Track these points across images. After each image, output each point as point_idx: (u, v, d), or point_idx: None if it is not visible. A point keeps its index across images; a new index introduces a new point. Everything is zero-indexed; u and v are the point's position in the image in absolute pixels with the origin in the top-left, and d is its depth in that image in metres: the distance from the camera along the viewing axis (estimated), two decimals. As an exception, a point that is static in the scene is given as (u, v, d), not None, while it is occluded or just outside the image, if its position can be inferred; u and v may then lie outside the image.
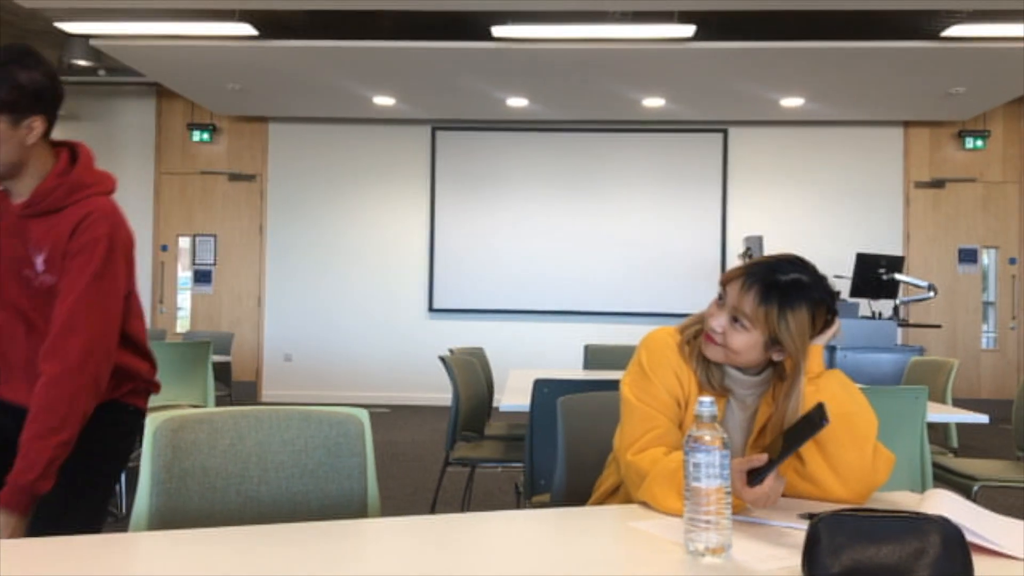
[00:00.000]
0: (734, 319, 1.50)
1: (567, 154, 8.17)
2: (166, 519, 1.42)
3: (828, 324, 1.51)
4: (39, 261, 1.75)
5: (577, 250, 8.15)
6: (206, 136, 8.19)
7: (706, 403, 1.20)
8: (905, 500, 1.53)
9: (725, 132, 8.11)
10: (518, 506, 3.51)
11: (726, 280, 1.54)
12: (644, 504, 1.44)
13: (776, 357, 1.52)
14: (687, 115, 7.83)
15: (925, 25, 5.82)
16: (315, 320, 8.25)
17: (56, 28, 5.92)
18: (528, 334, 8.18)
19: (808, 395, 1.49)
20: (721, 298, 1.54)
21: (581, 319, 8.12)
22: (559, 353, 8.11)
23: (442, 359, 3.60)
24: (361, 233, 8.27)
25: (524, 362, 7.94)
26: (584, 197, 8.16)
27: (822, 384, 1.51)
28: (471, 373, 3.77)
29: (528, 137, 8.18)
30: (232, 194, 8.34)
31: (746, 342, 1.49)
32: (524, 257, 8.16)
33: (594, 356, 4.77)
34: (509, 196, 8.19)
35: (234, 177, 8.30)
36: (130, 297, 1.89)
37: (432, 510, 4.02)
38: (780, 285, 1.47)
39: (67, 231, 1.73)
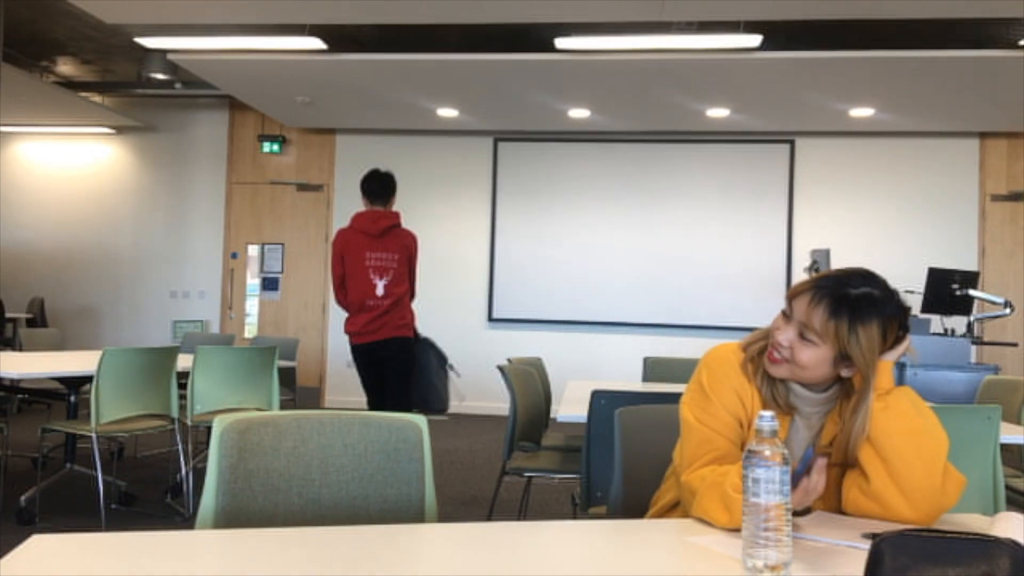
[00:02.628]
0: (801, 334, 1.46)
1: (629, 165, 8.13)
2: (231, 518, 1.46)
3: (899, 340, 1.47)
4: None
5: (638, 261, 8.08)
6: (276, 147, 8.40)
7: (766, 417, 1.18)
8: (975, 522, 1.48)
9: (792, 143, 7.96)
10: (574, 517, 3.49)
11: (793, 294, 1.50)
12: (702, 520, 1.43)
13: (845, 373, 1.48)
14: (752, 125, 7.72)
15: (1002, 34, 5.63)
16: None
17: (136, 43, 6.16)
18: (587, 345, 8.14)
19: (877, 412, 1.46)
20: (787, 312, 1.50)
21: (641, 331, 8.04)
22: (618, 365, 8.06)
23: (500, 368, 3.61)
24: (423, 242, 8.35)
25: (582, 373, 7.89)
26: (646, 208, 8.10)
27: (891, 401, 1.47)
28: (529, 383, 3.77)
29: (590, 148, 8.16)
30: (300, 204, 8.53)
31: (814, 357, 1.45)
32: (585, 268, 8.13)
33: (653, 368, 4.72)
34: (570, 207, 8.17)
35: (302, 187, 8.48)
36: (347, 276, 4.27)
37: (488, 519, 4.00)
38: (850, 299, 1.43)
39: None
